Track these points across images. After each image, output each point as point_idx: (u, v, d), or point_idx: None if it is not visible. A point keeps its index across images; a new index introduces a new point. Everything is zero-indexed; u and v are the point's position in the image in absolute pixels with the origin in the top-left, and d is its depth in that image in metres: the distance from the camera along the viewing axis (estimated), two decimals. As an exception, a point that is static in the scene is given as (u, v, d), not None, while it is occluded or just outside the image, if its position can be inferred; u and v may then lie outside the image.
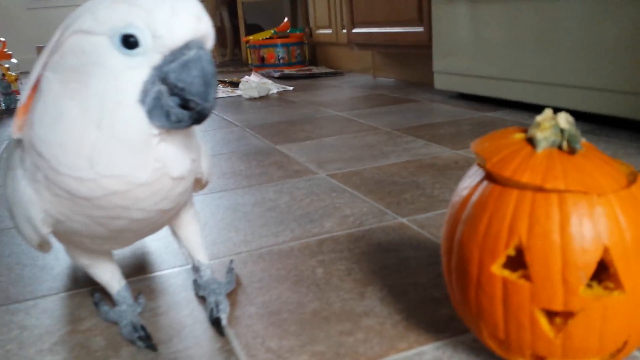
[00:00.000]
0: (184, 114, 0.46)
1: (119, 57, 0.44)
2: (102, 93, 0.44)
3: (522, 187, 0.43)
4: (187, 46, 0.44)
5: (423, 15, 2.01)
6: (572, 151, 0.44)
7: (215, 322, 0.59)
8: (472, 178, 0.48)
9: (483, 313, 0.45)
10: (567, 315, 0.41)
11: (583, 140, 0.45)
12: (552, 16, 1.41)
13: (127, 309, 0.61)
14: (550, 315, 0.42)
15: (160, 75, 0.45)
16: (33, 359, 0.57)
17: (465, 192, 0.47)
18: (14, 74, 2.49)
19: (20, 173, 0.50)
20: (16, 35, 4.43)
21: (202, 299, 0.65)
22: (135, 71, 0.44)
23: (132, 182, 0.47)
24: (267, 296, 0.65)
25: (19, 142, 0.50)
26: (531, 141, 0.45)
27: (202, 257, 0.66)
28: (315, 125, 1.66)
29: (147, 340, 0.57)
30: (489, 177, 0.46)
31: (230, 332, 0.58)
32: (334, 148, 1.35)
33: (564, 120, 0.45)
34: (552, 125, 0.45)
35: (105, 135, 0.45)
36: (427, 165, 1.14)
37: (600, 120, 1.40)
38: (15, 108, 2.44)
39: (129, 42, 0.43)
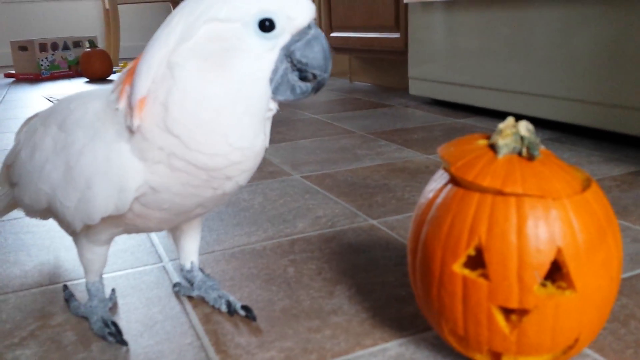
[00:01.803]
0: (308, 86, 0.51)
1: (257, 40, 0.48)
2: (242, 74, 0.48)
3: (483, 190, 0.45)
4: (309, 25, 0.50)
5: (400, 22, 2.04)
6: (531, 157, 0.46)
7: (246, 309, 0.61)
8: (437, 181, 0.50)
9: (444, 310, 0.47)
10: (522, 312, 0.44)
11: (542, 147, 0.48)
12: (526, 27, 1.45)
13: (98, 304, 0.61)
14: (507, 312, 0.45)
15: (286, 53, 0.49)
16: (3, 353, 0.57)
17: (430, 195, 0.49)
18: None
19: (124, 146, 0.50)
20: (-11, 29, 4.35)
21: (189, 298, 0.66)
22: (271, 52, 0.49)
23: (253, 152, 0.51)
24: (238, 294, 0.66)
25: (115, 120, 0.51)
26: (493, 147, 0.47)
27: (196, 259, 0.67)
28: (290, 127, 1.67)
29: (117, 335, 0.58)
30: (453, 180, 0.48)
31: (200, 328, 0.60)
32: (308, 150, 1.37)
33: (525, 128, 0.47)
34: (513, 132, 0.47)
35: (241, 112, 0.49)
36: (399, 169, 1.16)
37: (567, 128, 1.44)
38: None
39: (265, 26, 0.47)
